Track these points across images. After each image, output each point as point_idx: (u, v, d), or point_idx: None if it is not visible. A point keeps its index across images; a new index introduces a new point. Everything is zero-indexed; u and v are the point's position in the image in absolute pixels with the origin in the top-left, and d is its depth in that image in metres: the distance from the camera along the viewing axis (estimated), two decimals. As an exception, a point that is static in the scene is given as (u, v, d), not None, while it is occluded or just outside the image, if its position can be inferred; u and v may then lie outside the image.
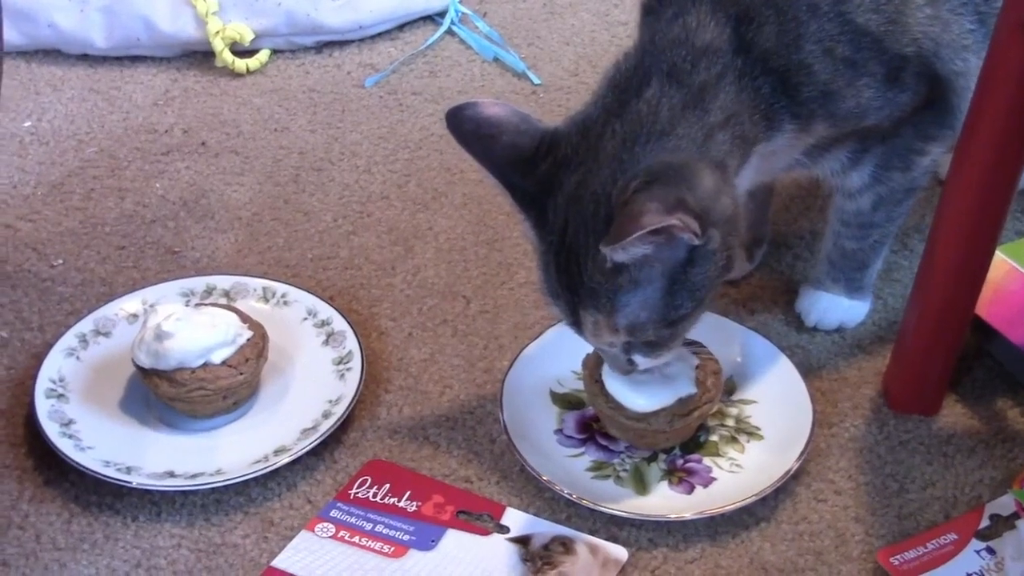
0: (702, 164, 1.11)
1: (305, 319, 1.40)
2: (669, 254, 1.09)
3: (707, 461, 1.26)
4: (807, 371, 1.34)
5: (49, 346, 1.35)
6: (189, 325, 1.27)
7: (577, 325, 1.17)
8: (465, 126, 1.14)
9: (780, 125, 1.18)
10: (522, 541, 1.20)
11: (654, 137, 1.11)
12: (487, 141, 1.14)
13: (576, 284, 1.13)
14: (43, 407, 1.28)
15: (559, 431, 1.29)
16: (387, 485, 1.24)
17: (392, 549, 1.18)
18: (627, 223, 1.05)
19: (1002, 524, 1.19)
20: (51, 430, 1.26)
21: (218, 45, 1.81)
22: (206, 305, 1.35)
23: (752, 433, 1.29)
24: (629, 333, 1.14)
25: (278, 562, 1.18)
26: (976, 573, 1.15)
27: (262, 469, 1.23)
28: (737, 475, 1.25)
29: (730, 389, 1.32)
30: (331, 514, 1.22)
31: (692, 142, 1.12)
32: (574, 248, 1.12)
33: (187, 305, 1.37)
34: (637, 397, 1.23)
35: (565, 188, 1.12)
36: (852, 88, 1.19)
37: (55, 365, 1.33)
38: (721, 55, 1.15)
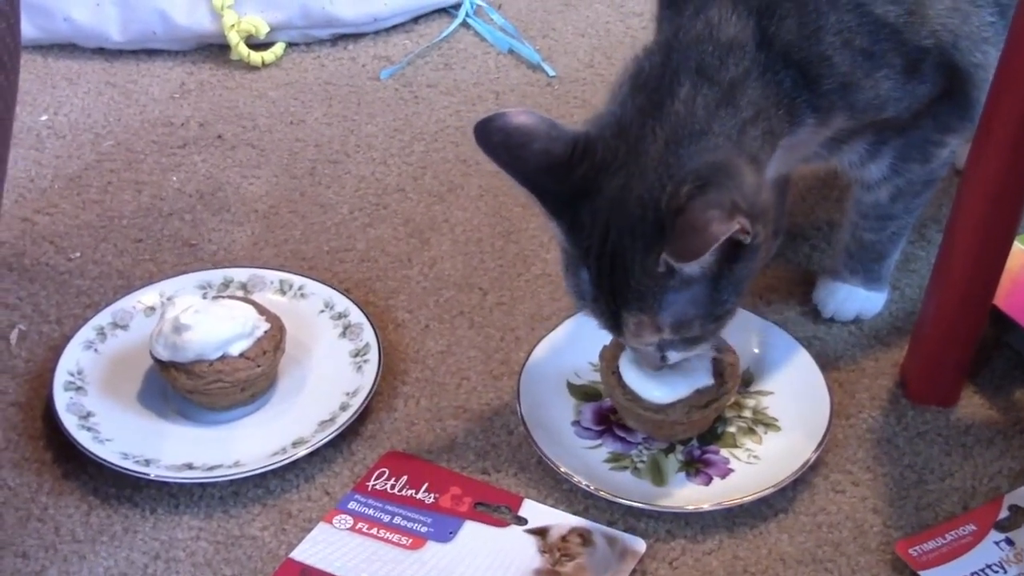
0: (741, 161, 1.11)
1: (322, 311, 1.40)
2: (720, 255, 1.09)
3: (724, 452, 1.26)
4: (824, 362, 1.34)
5: (67, 339, 1.36)
6: (207, 318, 1.27)
7: (616, 327, 1.16)
8: (494, 137, 1.12)
9: (801, 118, 1.18)
10: (540, 533, 1.20)
11: (695, 138, 1.11)
12: (517, 150, 1.12)
13: (621, 287, 1.12)
14: (62, 400, 1.28)
15: (576, 423, 1.29)
16: (405, 477, 1.24)
17: (410, 541, 1.19)
18: (697, 237, 1.04)
19: (1021, 515, 1.18)
20: (70, 423, 1.26)
21: (233, 38, 1.82)
22: (223, 298, 1.35)
23: (769, 424, 1.29)
24: (674, 331, 1.14)
25: (296, 554, 1.18)
26: (995, 564, 1.14)
27: (280, 461, 1.24)
28: (755, 466, 1.25)
29: (747, 380, 1.32)
30: (349, 506, 1.22)
31: (728, 139, 1.12)
32: (619, 252, 1.11)
33: (204, 298, 1.37)
34: (654, 388, 1.23)
35: (605, 192, 1.11)
36: (871, 80, 1.19)
37: (73, 358, 1.33)
38: (747, 50, 1.15)
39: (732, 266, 1.11)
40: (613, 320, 1.15)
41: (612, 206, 1.11)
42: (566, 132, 1.14)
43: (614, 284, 1.12)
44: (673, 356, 1.19)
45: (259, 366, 1.28)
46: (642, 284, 1.11)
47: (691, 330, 1.14)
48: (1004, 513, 1.19)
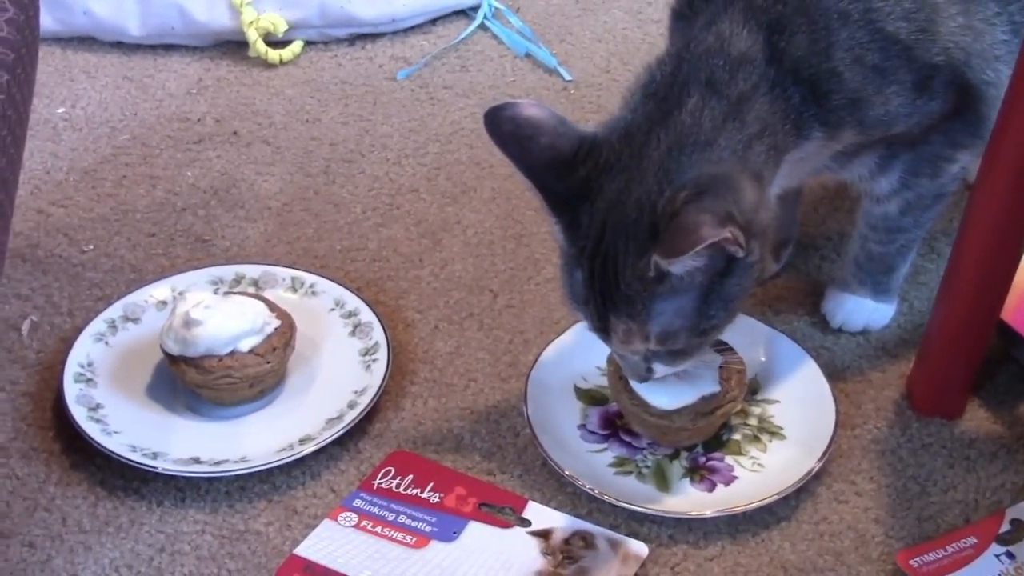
0: (744, 176, 1.12)
1: (332, 310, 1.41)
2: (711, 264, 1.10)
3: (729, 460, 1.27)
4: (831, 372, 1.34)
5: (78, 331, 1.36)
6: (218, 313, 1.28)
7: (604, 331, 1.16)
8: (504, 127, 1.13)
9: (809, 133, 1.18)
10: (543, 535, 1.20)
11: (698, 148, 1.12)
12: (525, 142, 1.13)
13: (610, 290, 1.13)
14: (71, 391, 1.29)
15: (582, 426, 1.30)
16: (410, 476, 1.25)
17: (414, 540, 1.19)
18: (684, 236, 1.05)
19: (1022, 529, 1.19)
20: (79, 414, 1.27)
21: (251, 35, 1.82)
22: (235, 294, 1.36)
23: (775, 433, 1.29)
24: (660, 341, 1.14)
25: (300, 550, 1.19)
26: (995, 577, 1.15)
27: (287, 457, 1.24)
28: (759, 474, 1.25)
29: (754, 388, 1.33)
30: (354, 504, 1.23)
31: (733, 153, 1.13)
32: (612, 254, 1.11)
33: (216, 293, 1.38)
34: (661, 395, 1.23)
35: (605, 193, 1.12)
36: (881, 96, 1.19)
37: (84, 350, 1.34)
38: (756, 65, 1.15)
39: (723, 280, 1.11)
40: (602, 324, 1.16)
41: (610, 207, 1.12)
42: (574, 130, 1.15)
43: (605, 287, 1.13)
44: (659, 369, 1.19)
45: (268, 362, 1.29)
46: (632, 288, 1.11)
47: (677, 342, 1.14)
48: (1006, 527, 1.19)
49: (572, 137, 1.14)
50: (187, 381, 1.29)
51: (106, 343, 1.36)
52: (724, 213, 1.06)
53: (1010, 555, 1.16)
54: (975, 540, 1.18)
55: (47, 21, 1.82)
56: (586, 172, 1.13)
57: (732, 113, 1.14)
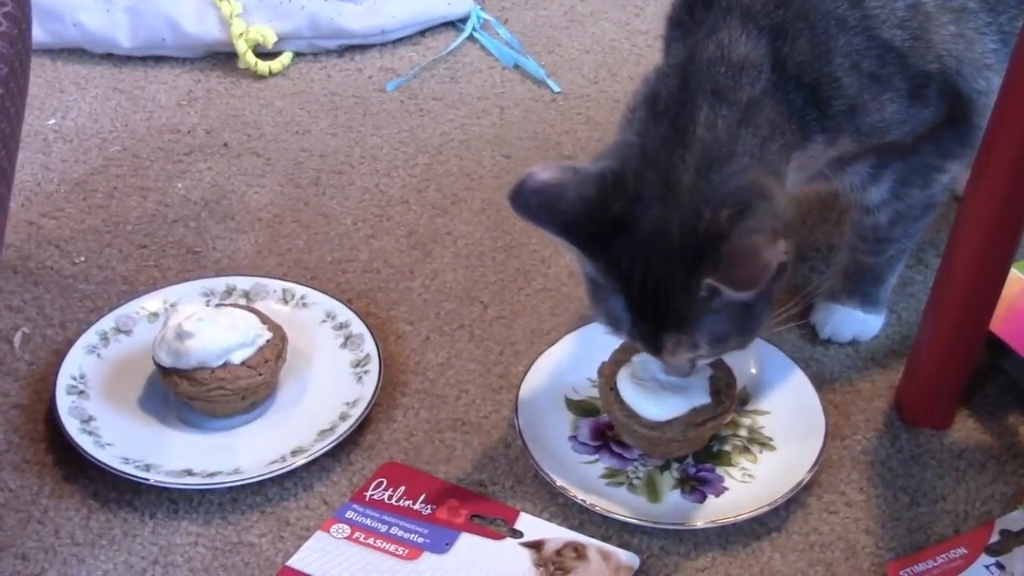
0: (770, 179, 1.13)
1: (324, 321, 1.41)
2: None
3: (719, 471, 1.27)
4: (820, 383, 1.35)
5: (70, 343, 1.37)
6: (210, 325, 1.28)
7: (656, 348, 1.16)
8: (532, 201, 1.11)
9: (811, 136, 1.19)
10: (535, 546, 1.21)
11: (723, 161, 1.12)
12: (555, 204, 1.11)
13: (662, 312, 1.13)
14: (64, 403, 1.29)
15: (573, 437, 1.30)
16: (402, 488, 1.25)
17: (406, 551, 1.20)
18: (750, 267, 1.06)
19: (1012, 540, 1.19)
20: (71, 426, 1.27)
21: (241, 47, 1.83)
22: (226, 306, 1.37)
23: (765, 444, 1.29)
24: (711, 346, 1.15)
25: (293, 562, 1.19)
26: (985, 587, 1.16)
27: (279, 469, 1.25)
28: (749, 485, 1.26)
29: (744, 400, 1.33)
30: (346, 515, 1.23)
31: (753, 158, 1.13)
32: (660, 280, 1.11)
33: (207, 305, 1.38)
34: (652, 406, 1.24)
35: (643, 224, 1.11)
36: (877, 103, 1.20)
37: (76, 362, 1.34)
38: (761, 70, 1.16)
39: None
40: (654, 341, 1.16)
41: (651, 237, 1.11)
42: (591, 171, 1.14)
43: (656, 310, 1.13)
44: (700, 364, 1.22)
45: (260, 374, 1.29)
46: (683, 308, 1.12)
47: (727, 345, 1.16)
48: (995, 537, 1.20)
49: (593, 178, 1.13)
50: (179, 393, 1.29)
51: (98, 355, 1.36)
52: (771, 228, 1.07)
53: (1000, 566, 1.17)
54: (965, 551, 1.18)
55: (37, 33, 1.82)
56: (620, 206, 1.12)
57: (744, 118, 1.14)
